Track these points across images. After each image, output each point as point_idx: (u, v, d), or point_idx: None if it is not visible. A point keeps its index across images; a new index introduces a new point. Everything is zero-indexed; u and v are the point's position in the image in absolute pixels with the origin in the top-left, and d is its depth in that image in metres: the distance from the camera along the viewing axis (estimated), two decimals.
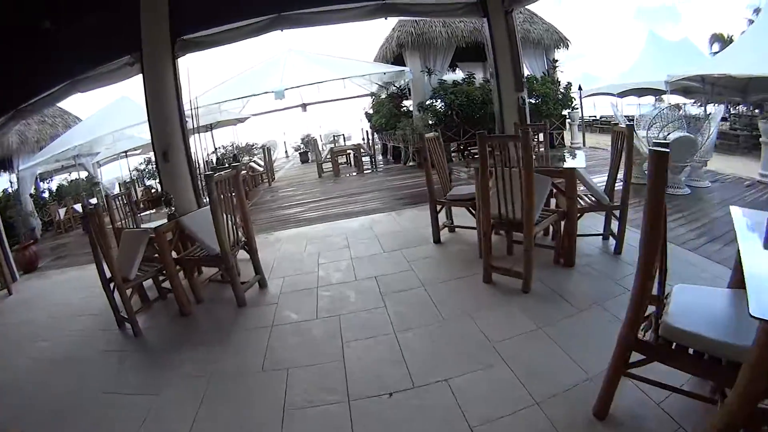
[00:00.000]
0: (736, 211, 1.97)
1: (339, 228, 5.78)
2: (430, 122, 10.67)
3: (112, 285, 3.41)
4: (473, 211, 4.18)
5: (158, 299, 3.95)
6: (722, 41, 21.98)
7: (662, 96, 18.99)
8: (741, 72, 10.68)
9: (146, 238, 3.59)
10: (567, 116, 12.17)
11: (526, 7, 11.78)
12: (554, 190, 3.75)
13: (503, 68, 5.70)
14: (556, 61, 12.03)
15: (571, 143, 12.38)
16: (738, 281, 1.98)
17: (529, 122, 6.26)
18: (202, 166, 11.15)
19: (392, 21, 11.67)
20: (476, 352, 2.57)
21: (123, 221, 4.43)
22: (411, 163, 11.50)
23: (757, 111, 14.00)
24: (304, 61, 10.87)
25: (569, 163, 4.05)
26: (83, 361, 3.18)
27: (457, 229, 4.85)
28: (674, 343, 1.68)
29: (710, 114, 6.89)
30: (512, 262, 3.56)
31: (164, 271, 3.70)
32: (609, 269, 3.57)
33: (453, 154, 11.79)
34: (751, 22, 20.09)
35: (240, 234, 3.84)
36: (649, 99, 19.42)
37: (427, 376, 2.38)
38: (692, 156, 6.57)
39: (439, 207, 4.54)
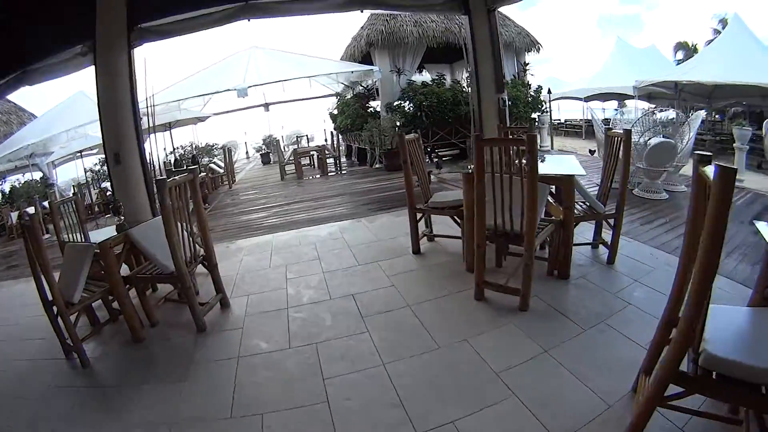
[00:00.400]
0: (763, 227, 1.84)
1: (306, 236, 5.30)
2: (398, 123, 10.35)
3: (55, 308, 2.87)
4: (458, 220, 3.84)
5: (109, 321, 3.39)
6: (687, 49, 22.84)
7: (625, 101, 19.65)
8: (711, 79, 11.00)
9: (90, 253, 3.04)
10: (536, 119, 12.15)
11: (499, 9, 11.74)
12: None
13: (484, 68, 5.43)
14: (527, 64, 11.96)
15: (540, 146, 12.36)
16: (760, 299, 1.95)
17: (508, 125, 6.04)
18: (159, 168, 10.51)
19: (362, 19, 11.36)
20: (481, 384, 2.23)
21: (70, 231, 3.82)
22: (377, 166, 11.14)
23: (718, 117, 14.47)
24: (269, 58, 10.38)
25: (552, 168, 3.76)
26: (24, 397, 2.63)
27: (437, 239, 4.48)
28: (714, 373, 1.52)
29: (688, 118, 6.86)
30: (504, 275, 3.24)
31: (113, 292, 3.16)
32: (605, 281, 3.36)
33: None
34: (716, 31, 20.97)
35: (198, 247, 3.36)
36: (613, 103, 20.02)
37: (430, 419, 2.01)
38: (672, 161, 6.56)
39: (419, 215, 4.17)
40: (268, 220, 6.60)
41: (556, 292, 3.19)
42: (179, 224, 2.96)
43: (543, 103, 11.84)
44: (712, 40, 20.64)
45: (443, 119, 10.48)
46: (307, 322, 3.07)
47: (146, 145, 6.95)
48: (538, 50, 11.88)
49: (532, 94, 11.59)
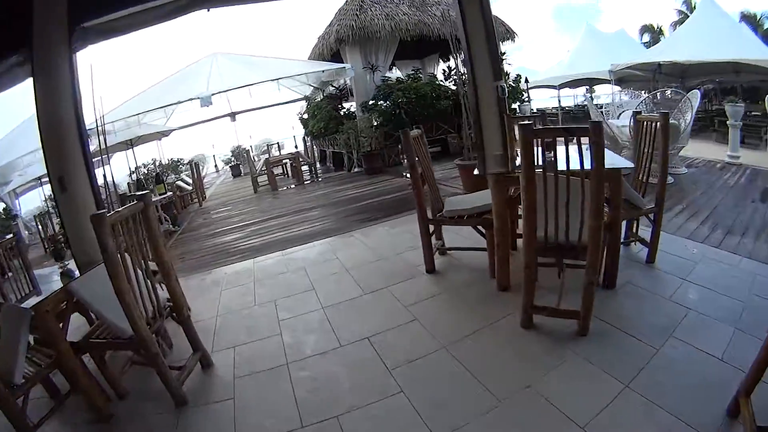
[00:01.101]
0: None
1: (293, 259, 4.56)
2: (375, 123, 9.73)
3: None
4: (483, 230, 3.24)
5: (70, 393, 2.54)
6: (652, 32, 23.24)
7: (593, 87, 19.65)
8: (688, 58, 11.00)
9: (26, 320, 2.25)
10: (517, 110, 11.77)
11: None
12: None
13: (478, 54, 4.81)
14: (504, 53, 11.48)
15: None
16: None
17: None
18: (120, 191, 9.63)
19: (330, 15, 10.71)
20: None
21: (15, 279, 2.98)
22: (356, 170, 10.51)
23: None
24: (233, 63, 9.64)
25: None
26: None
27: (450, 252, 3.86)
28: None
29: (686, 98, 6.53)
30: (543, 291, 2.69)
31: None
32: (654, 285, 2.93)
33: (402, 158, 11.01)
34: (681, 12, 21.36)
35: (162, 294, 2.60)
36: (581, 90, 20.02)
37: None
38: (676, 143, 6.28)
39: (432, 227, 3.54)
40: (246, 242, 5.82)
41: (607, 305, 2.67)
42: (134, 268, 2.25)
43: (523, 93, 11.46)
44: (677, 21, 21.19)
45: (424, 116, 9.93)
46: (318, 384, 2.36)
47: (101, 169, 6.14)
48: (513, 39, 11.45)
49: (512, 83, 11.18)
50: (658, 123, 3.05)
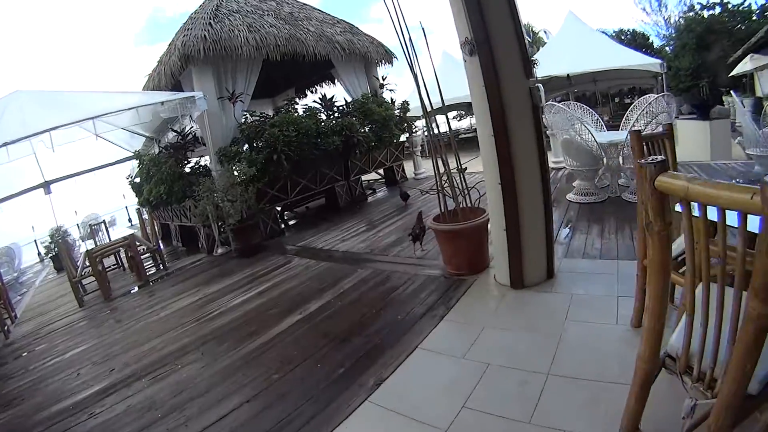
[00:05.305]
0: None
1: None
2: (242, 178, 6.84)
3: None
4: None
5: None
6: None
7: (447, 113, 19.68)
8: (567, 71, 11.02)
9: None
10: (405, 142, 10.28)
11: (345, 19, 9.55)
12: None
13: (499, 33, 2.86)
14: (384, 78, 9.86)
15: (416, 174, 10.52)
16: None
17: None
18: None
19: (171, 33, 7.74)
20: None
21: None
22: (222, 251, 7.34)
23: None
24: (36, 104, 6.17)
25: None
26: None
27: None
28: None
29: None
30: None
31: None
32: None
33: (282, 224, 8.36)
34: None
35: None
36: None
37: None
38: None
39: None
40: None
41: None
42: None
43: (412, 122, 10.00)
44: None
45: (310, 160, 7.61)
46: None
47: None
48: (391, 62, 9.90)
49: (398, 113, 9.63)
50: None
